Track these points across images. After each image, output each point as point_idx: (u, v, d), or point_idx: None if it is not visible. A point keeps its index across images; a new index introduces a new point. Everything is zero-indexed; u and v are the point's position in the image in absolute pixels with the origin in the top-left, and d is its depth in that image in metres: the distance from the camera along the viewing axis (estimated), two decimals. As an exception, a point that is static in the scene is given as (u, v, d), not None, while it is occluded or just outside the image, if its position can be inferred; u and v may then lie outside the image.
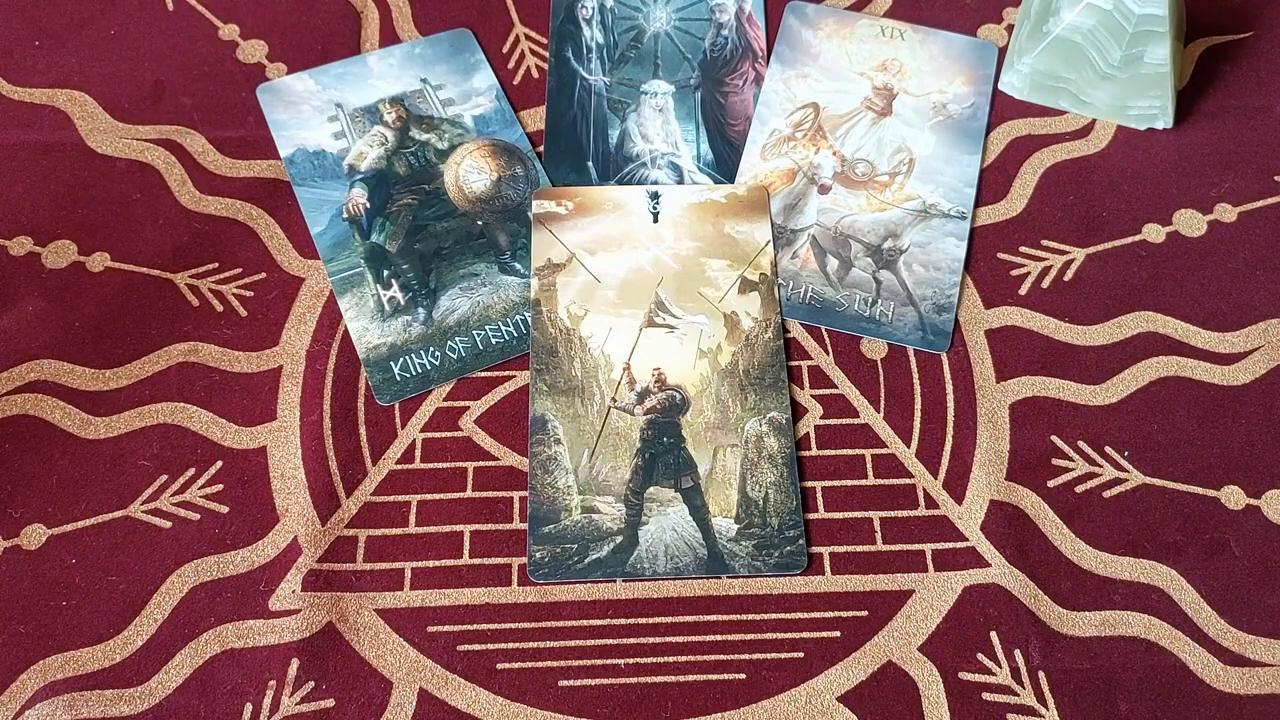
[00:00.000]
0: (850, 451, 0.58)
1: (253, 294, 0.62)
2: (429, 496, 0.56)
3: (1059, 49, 0.65)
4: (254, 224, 0.64)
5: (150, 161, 0.66)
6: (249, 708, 0.51)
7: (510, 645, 0.53)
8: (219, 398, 0.58)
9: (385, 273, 0.62)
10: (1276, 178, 0.66)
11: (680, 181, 0.66)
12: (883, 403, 0.59)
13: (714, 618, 0.53)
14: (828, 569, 0.55)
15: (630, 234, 0.63)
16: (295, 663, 0.52)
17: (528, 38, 0.71)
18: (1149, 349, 0.60)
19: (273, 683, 0.52)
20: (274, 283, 0.62)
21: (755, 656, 0.53)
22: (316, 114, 0.67)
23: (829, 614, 0.54)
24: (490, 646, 0.53)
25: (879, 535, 0.55)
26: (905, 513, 0.56)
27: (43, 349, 0.59)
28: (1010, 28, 0.72)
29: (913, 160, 0.66)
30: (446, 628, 0.53)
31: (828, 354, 0.61)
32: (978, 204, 0.65)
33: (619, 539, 0.55)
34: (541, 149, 0.67)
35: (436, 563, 0.55)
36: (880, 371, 0.60)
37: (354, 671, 0.52)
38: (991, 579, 0.54)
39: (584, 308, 0.61)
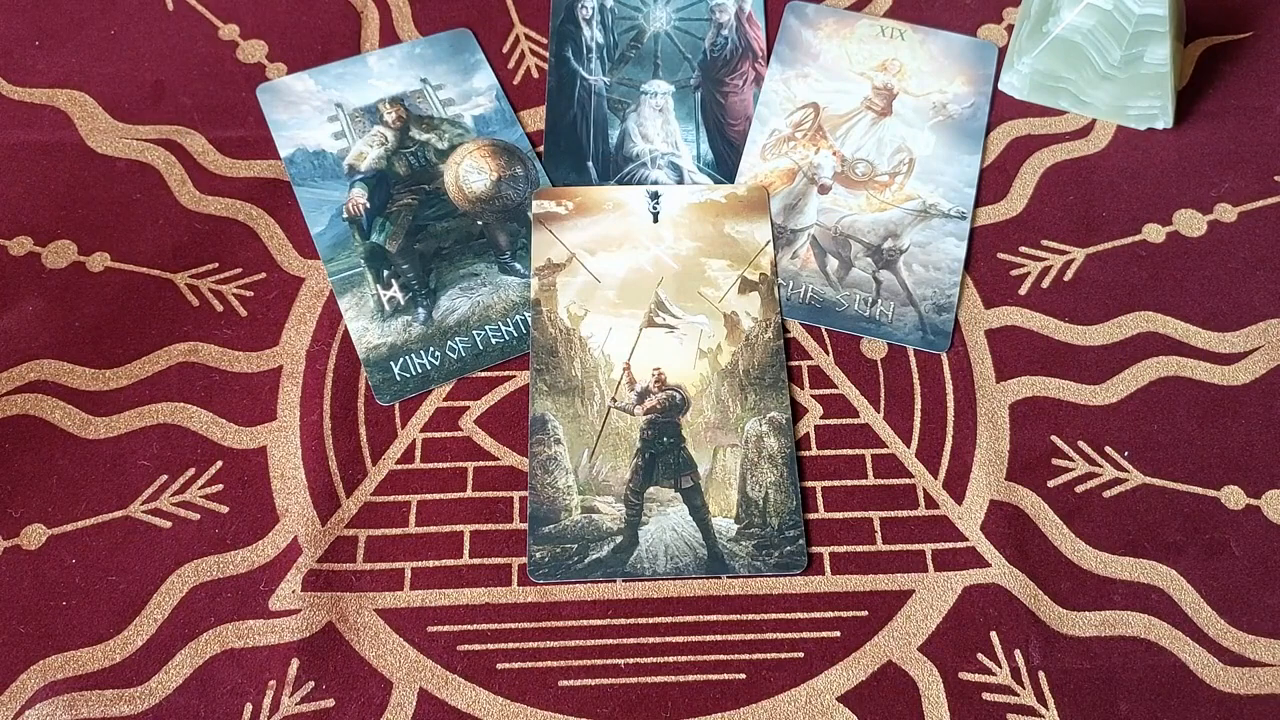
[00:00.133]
0: (850, 451, 0.58)
1: (253, 294, 0.62)
2: (429, 496, 0.56)
3: (1059, 49, 0.65)
4: (254, 224, 0.64)
5: (150, 161, 0.66)
6: (249, 708, 0.51)
7: (510, 645, 0.53)
8: (219, 398, 0.58)
9: (385, 273, 0.62)
10: (1276, 178, 0.66)
11: (680, 181, 0.66)
12: (883, 403, 0.59)
13: (714, 618, 0.53)
14: (828, 569, 0.55)
15: (630, 234, 0.63)
16: (295, 663, 0.52)
17: (528, 38, 0.71)
18: (1149, 349, 0.60)
19: (273, 683, 0.52)
20: (274, 283, 0.62)
21: (755, 656, 0.53)
22: (316, 114, 0.67)
23: (829, 614, 0.54)
24: (490, 646, 0.53)
25: (879, 535, 0.55)
26: (905, 513, 0.56)
27: (43, 349, 0.59)
28: (1010, 28, 0.72)
29: (913, 160, 0.66)
30: (446, 628, 0.53)
31: (828, 354, 0.61)
32: (978, 204, 0.65)
33: (619, 539, 0.55)
34: (541, 149, 0.67)
35: (436, 563, 0.55)
36: (880, 371, 0.60)
37: (354, 671, 0.52)
38: (991, 579, 0.54)
39: (584, 308, 0.61)
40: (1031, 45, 0.67)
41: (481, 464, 0.57)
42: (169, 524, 0.55)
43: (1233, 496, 0.56)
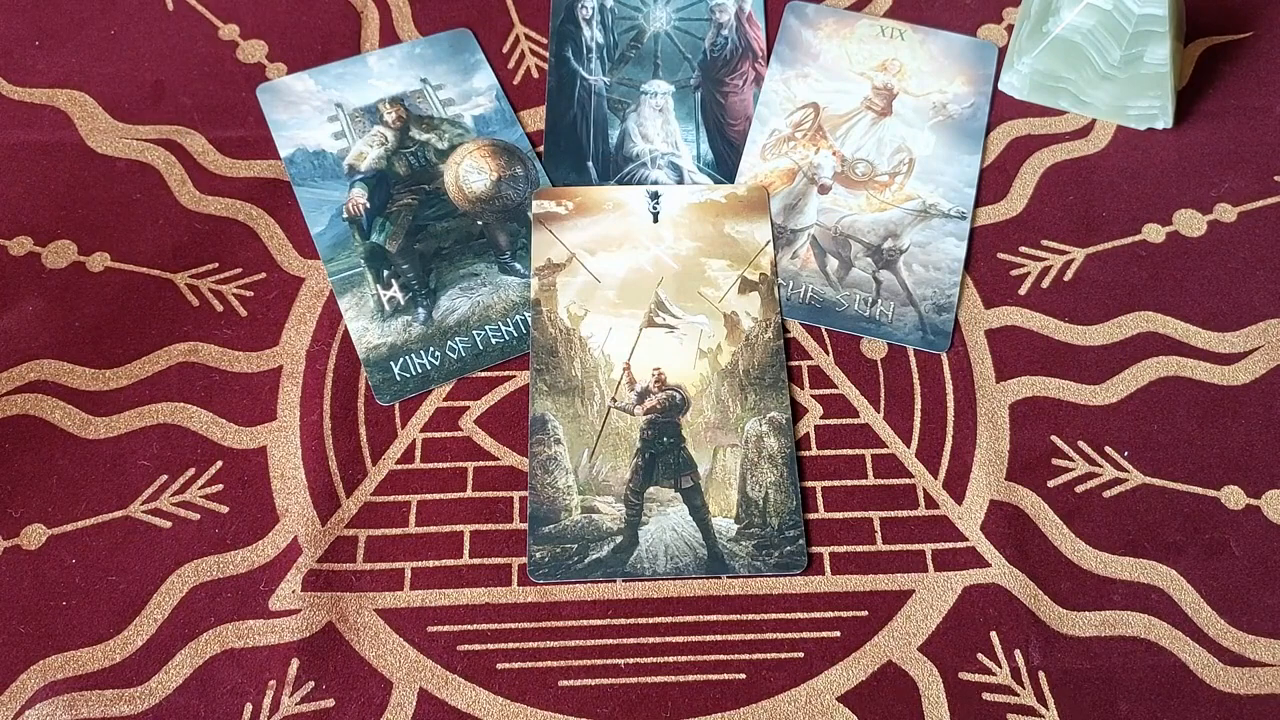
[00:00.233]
0: (850, 451, 0.58)
1: (253, 294, 0.62)
2: (429, 496, 0.56)
3: (1059, 49, 0.65)
4: (254, 224, 0.64)
5: (150, 161, 0.66)
6: (249, 708, 0.51)
7: (510, 645, 0.53)
8: (219, 398, 0.58)
9: (385, 273, 0.62)
10: (1276, 178, 0.66)
11: (680, 181, 0.66)
12: (883, 403, 0.59)
13: (714, 618, 0.53)
14: (828, 569, 0.55)
15: (630, 234, 0.63)
16: (295, 663, 0.52)
17: (528, 38, 0.71)
18: (1149, 349, 0.60)
19: (273, 683, 0.52)
20: (274, 283, 0.62)
21: (755, 656, 0.53)
22: (316, 114, 0.67)
23: (829, 614, 0.54)
24: (490, 646, 0.53)
25: (879, 535, 0.55)
26: (905, 513, 0.56)
27: (43, 349, 0.59)
28: (1010, 28, 0.72)
29: (913, 160, 0.66)
30: (446, 628, 0.53)
31: (828, 354, 0.61)
32: (978, 204, 0.65)
33: (619, 539, 0.55)
34: (541, 149, 0.67)
35: (436, 563, 0.55)
36: (880, 371, 0.60)
37: (354, 671, 0.52)
38: (991, 579, 0.54)
39: (584, 308, 0.61)
40: (1031, 45, 0.67)
41: (481, 464, 0.57)
42: (169, 524, 0.55)
43: (1233, 496, 0.56)
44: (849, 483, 0.57)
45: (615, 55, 0.71)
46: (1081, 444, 0.58)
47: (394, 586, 0.54)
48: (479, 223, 0.64)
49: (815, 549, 0.55)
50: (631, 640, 0.53)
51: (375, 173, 0.65)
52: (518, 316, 0.61)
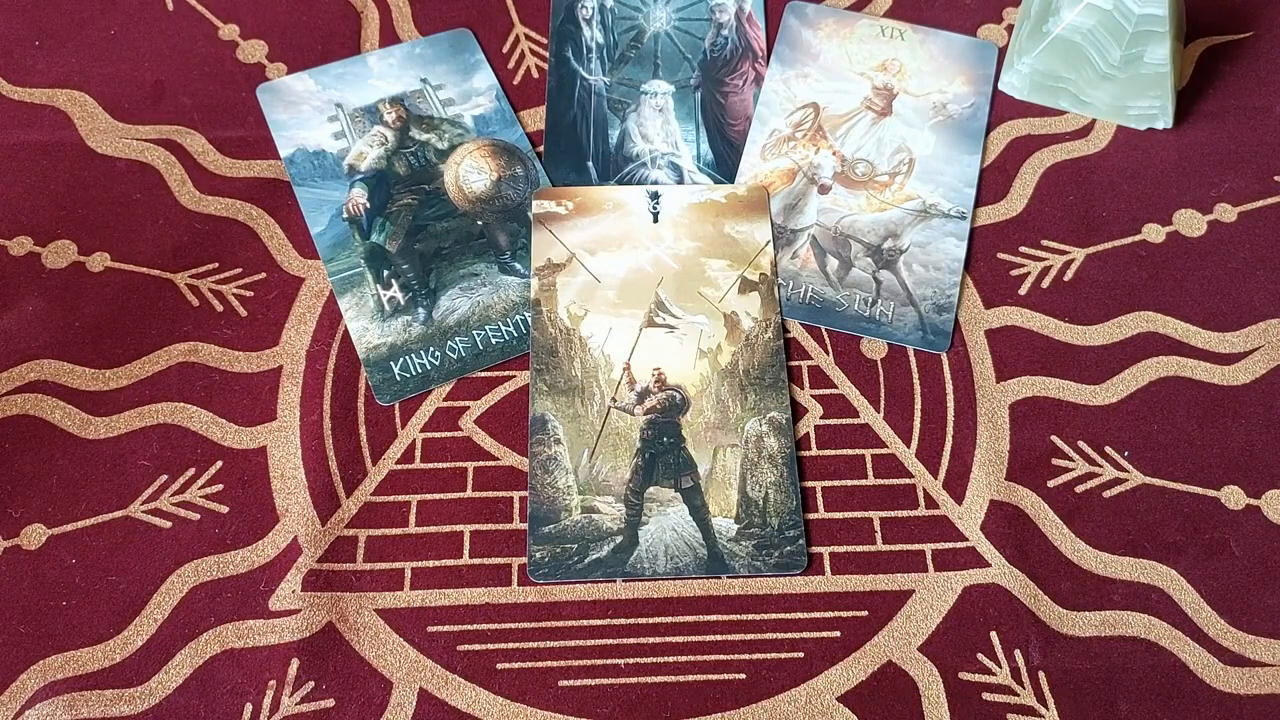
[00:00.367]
0: (850, 451, 0.58)
1: (253, 294, 0.62)
2: (429, 496, 0.56)
3: (1059, 49, 0.65)
4: (254, 224, 0.64)
5: (150, 161, 0.66)
6: (249, 708, 0.51)
7: (510, 645, 0.53)
8: (219, 398, 0.58)
9: (385, 273, 0.62)
10: (1276, 178, 0.66)
11: (680, 181, 0.66)
12: (883, 403, 0.59)
13: (714, 618, 0.53)
14: (828, 569, 0.55)
15: (630, 234, 0.63)
16: (295, 663, 0.52)
17: (528, 38, 0.71)
18: (1149, 349, 0.60)
19: (273, 683, 0.52)
20: (274, 283, 0.62)
21: (755, 656, 0.53)
22: (316, 114, 0.67)
23: (829, 614, 0.54)
24: (490, 646, 0.53)
25: (879, 535, 0.55)
26: (905, 513, 0.56)
27: (43, 349, 0.59)
28: (1010, 28, 0.72)
29: (913, 160, 0.66)
30: (446, 628, 0.53)
31: (828, 354, 0.61)
32: (978, 204, 0.65)
33: (619, 539, 0.55)
34: (541, 149, 0.67)
35: (436, 563, 0.55)
36: (880, 371, 0.60)
37: (354, 671, 0.52)
38: (991, 579, 0.54)
39: (584, 308, 0.61)
40: (1031, 45, 0.67)
41: (481, 464, 0.57)
42: (169, 524, 0.55)
43: (1233, 496, 0.56)
44: (849, 483, 0.57)
45: (615, 55, 0.71)
46: (1081, 444, 0.58)
47: (394, 586, 0.54)
48: (479, 223, 0.64)
49: (815, 549, 0.55)
50: (631, 640, 0.53)
51: (375, 173, 0.65)
52: (518, 316, 0.61)
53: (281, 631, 0.53)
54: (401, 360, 0.60)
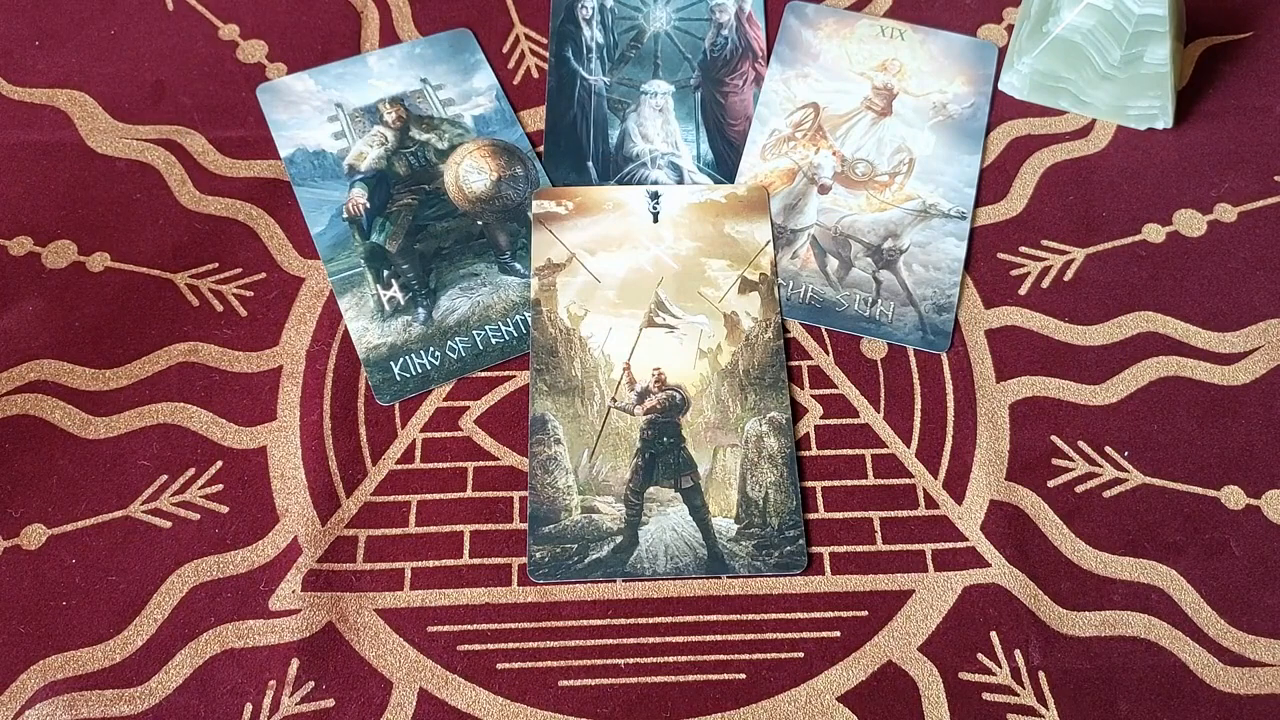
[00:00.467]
0: (850, 451, 0.58)
1: (253, 294, 0.62)
2: (429, 496, 0.56)
3: (1059, 49, 0.65)
4: (254, 224, 0.64)
5: (150, 161, 0.66)
6: (249, 708, 0.51)
7: (510, 645, 0.53)
8: (219, 398, 0.58)
9: (385, 273, 0.62)
10: (1276, 178, 0.66)
11: (680, 181, 0.66)
12: (883, 403, 0.59)
13: (714, 618, 0.53)
14: (828, 569, 0.55)
15: (630, 234, 0.63)
16: (295, 663, 0.52)
17: (528, 38, 0.71)
18: (1149, 349, 0.60)
19: (273, 683, 0.52)
20: (274, 283, 0.62)
21: (755, 656, 0.53)
22: (316, 114, 0.67)
23: (829, 614, 0.54)
24: (490, 646, 0.53)
25: (879, 535, 0.55)
26: (905, 513, 0.56)
27: (43, 349, 0.59)
28: (1010, 28, 0.72)
29: (913, 160, 0.66)
30: (446, 628, 0.53)
31: (828, 354, 0.61)
32: (978, 204, 0.65)
33: (619, 539, 0.55)
34: (541, 149, 0.67)
35: (436, 563, 0.55)
36: (880, 371, 0.60)
37: (354, 671, 0.52)
38: (991, 579, 0.54)
39: (584, 308, 0.61)
40: (1031, 45, 0.67)
41: (481, 464, 0.57)
42: (169, 524, 0.55)
43: (1233, 496, 0.56)
44: (849, 483, 0.57)
45: (615, 55, 0.71)
46: (1081, 444, 0.58)
47: (394, 586, 0.54)
48: (479, 223, 0.64)
49: (815, 549, 0.55)
50: (631, 640, 0.53)
51: (375, 173, 0.65)
52: (518, 316, 0.61)
53: (281, 631, 0.53)
54: (401, 360, 0.60)
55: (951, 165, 0.66)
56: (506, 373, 0.60)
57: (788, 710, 0.51)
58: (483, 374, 0.60)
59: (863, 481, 0.57)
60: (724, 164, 0.66)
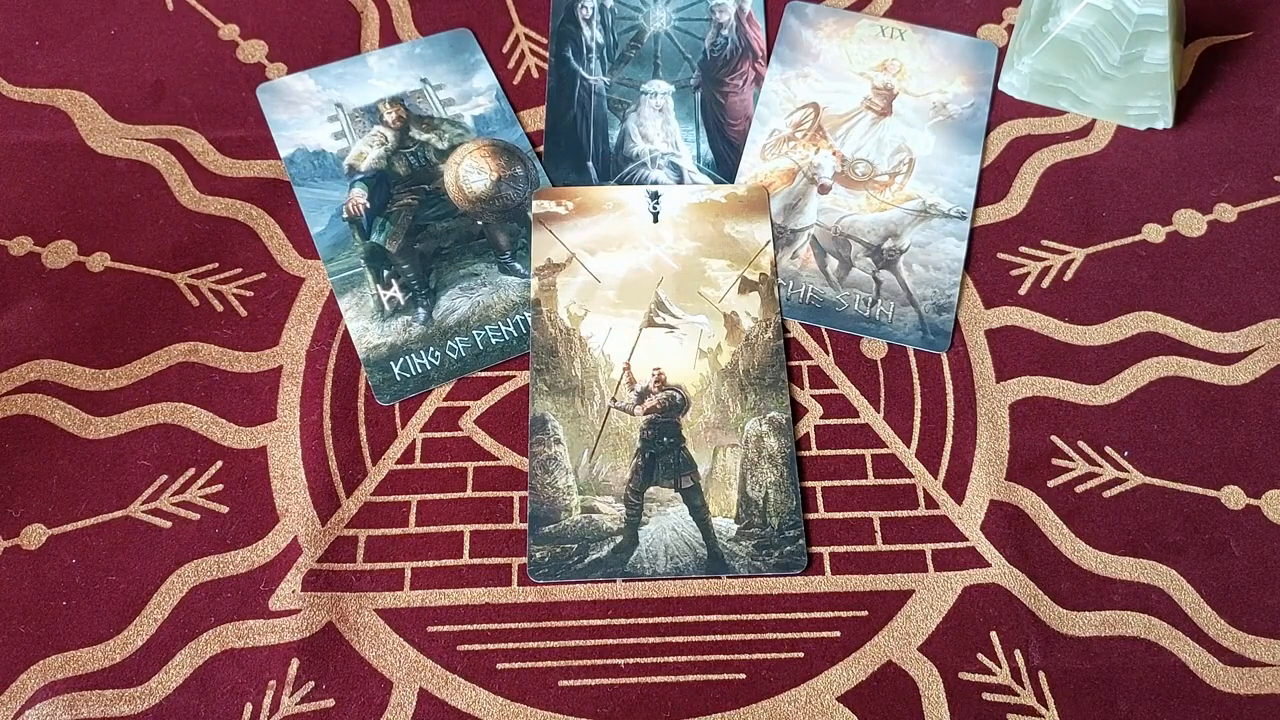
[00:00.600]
0: (850, 451, 0.58)
1: (253, 294, 0.62)
2: (429, 496, 0.56)
3: (1059, 49, 0.65)
4: (254, 224, 0.64)
5: (150, 161, 0.66)
6: (249, 708, 0.51)
7: (510, 645, 0.53)
8: (219, 398, 0.58)
9: (385, 273, 0.62)
10: (1276, 178, 0.66)
11: (680, 181, 0.66)
12: (883, 403, 0.59)
13: (714, 618, 0.53)
14: (828, 569, 0.55)
15: (630, 234, 0.63)
16: (295, 663, 0.52)
17: (528, 38, 0.71)
18: (1149, 349, 0.60)
19: (273, 683, 0.52)
20: (274, 283, 0.62)
21: (755, 656, 0.53)
22: (316, 114, 0.67)
23: (829, 614, 0.54)
24: (490, 646, 0.53)
25: (879, 535, 0.55)
26: (905, 513, 0.56)
27: (43, 349, 0.59)
28: (1010, 28, 0.72)
29: (913, 160, 0.66)
30: (446, 628, 0.53)
31: (828, 354, 0.61)
32: (978, 204, 0.65)
33: (619, 539, 0.55)
34: (541, 149, 0.67)
35: (436, 563, 0.55)
36: (880, 371, 0.60)
37: (354, 671, 0.52)
38: (991, 579, 0.54)
39: (584, 308, 0.61)
40: (1031, 45, 0.67)
41: (481, 464, 0.57)
42: (169, 524, 0.55)
43: (1233, 496, 0.56)
44: (849, 483, 0.57)
45: (615, 55, 0.71)
46: (1081, 444, 0.58)
47: (394, 586, 0.54)
48: (479, 223, 0.64)
49: (815, 549, 0.55)
50: (631, 640, 0.53)
51: (375, 173, 0.65)
52: (518, 316, 0.61)
53: (281, 631, 0.53)
54: (401, 360, 0.60)
55: (951, 165, 0.66)
56: (506, 373, 0.60)
57: (788, 710, 0.51)
58: (483, 374, 0.60)
59: (863, 481, 0.57)
60: (724, 164, 0.66)
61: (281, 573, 0.54)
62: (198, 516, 0.55)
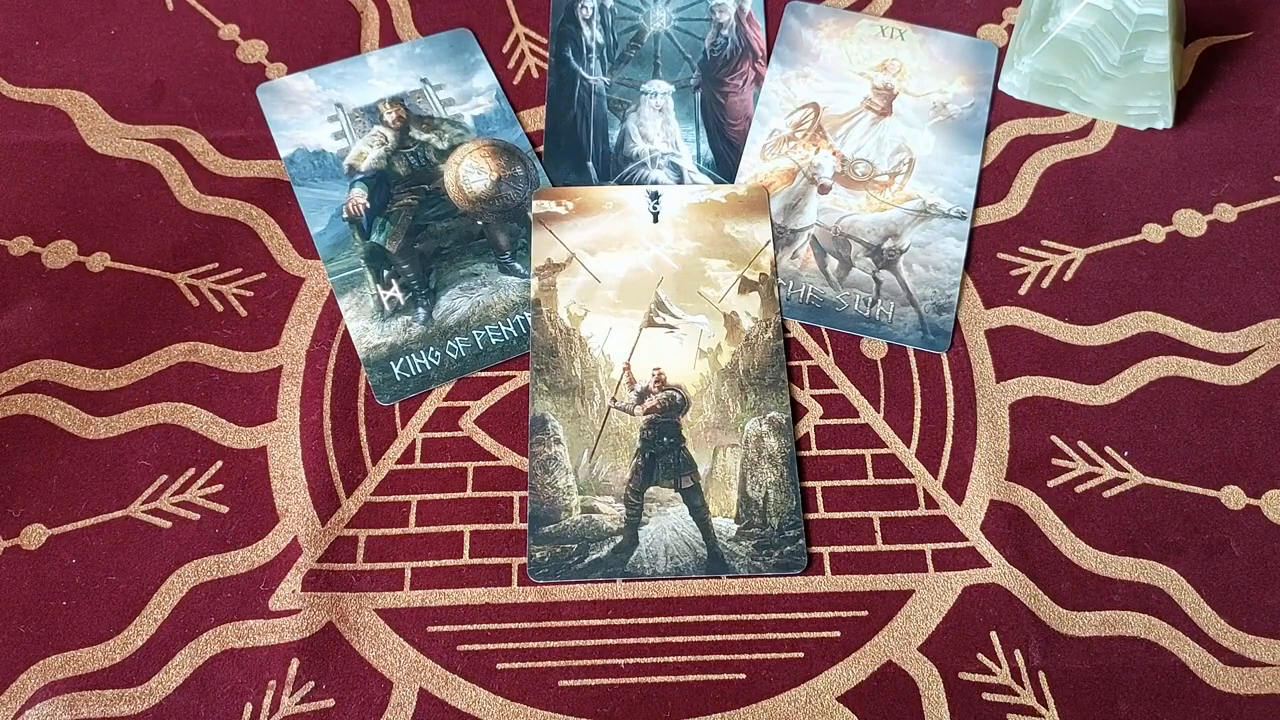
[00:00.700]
0: (850, 451, 0.58)
1: (253, 294, 0.62)
2: (429, 496, 0.56)
3: (1059, 49, 0.65)
4: (254, 224, 0.64)
5: (150, 161, 0.66)
6: (249, 708, 0.51)
7: (510, 645, 0.53)
8: (219, 398, 0.58)
9: (385, 273, 0.62)
10: (1276, 178, 0.66)
11: (680, 181, 0.66)
12: (883, 403, 0.59)
13: (714, 618, 0.53)
14: (828, 569, 0.55)
15: (630, 234, 0.63)
16: (295, 663, 0.52)
17: (528, 38, 0.71)
18: (1149, 349, 0.60)
19: (273, 683, 0.52)
20: (274, 283, 0.62)
21: (755, 656, 0.53)
22: (316, 114, 0.67)
23: (829, 614, 0.54)
24: (490, 646, 0.53)
25: (879, 535, 0.55)
26: (905, 513, 0.56)
27: (43, 349, 0.59)
28: (1010, 28, 0.72)
29: (913, 160, 0.66)
30: (446, 628, 0.53)
31: (828, 354, 0.61)
32: (978, 204, 0.65)
33: (619, 539, 0.55)
34: (541, 149, 0.67)
35: (436, 563, 0.55)
36: (880, 371, 0.60)
37: (354, 671, 0.52)
38: (991, 579, 0.54)
39: (584, 308, 0.61)
40: (1031, 45, 0.67)
41: (481, 464, 0.57)
42: (169, 524, 0.55)
43: (1233, 496, 0.56)
44: (849, 483, 0.57)
45: (615, 55, 0.71)
46: (1081, 444, 0.58)
47: (394, 586, 0.54)
48: (479, 223, 0.64)
49: (815, 549, 0.55)
50: (631, 640, 0.53)
51: (375, 173, 0.65)
52: (518, 316, 0.61)
53: (281, 631, 0.53)
54: (401, 360, 0.60)
55: (951, 165, 0.66)
56: (506, 373, 0.60)
57: (788, 710, 0.51)
58: (483, 374, 0.60)
59: (863, 481, 0.57)
60: (724, 164, 0.66)
61: (281, 573, 0.54)
62: (198, 516, 0.55)
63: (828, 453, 0.58)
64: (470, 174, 0.65)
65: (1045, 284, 0.63)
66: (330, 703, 0.51)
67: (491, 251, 0.63)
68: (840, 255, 0.63)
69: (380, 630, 0.53)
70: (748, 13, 0.72)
